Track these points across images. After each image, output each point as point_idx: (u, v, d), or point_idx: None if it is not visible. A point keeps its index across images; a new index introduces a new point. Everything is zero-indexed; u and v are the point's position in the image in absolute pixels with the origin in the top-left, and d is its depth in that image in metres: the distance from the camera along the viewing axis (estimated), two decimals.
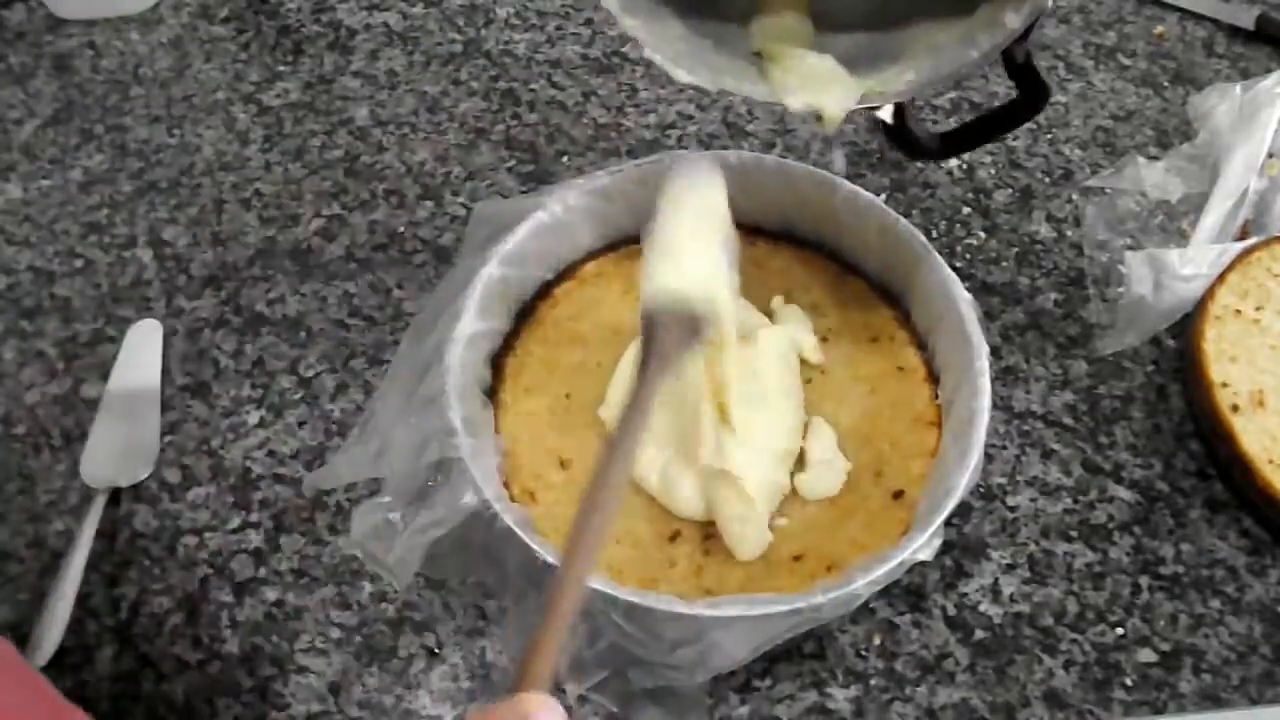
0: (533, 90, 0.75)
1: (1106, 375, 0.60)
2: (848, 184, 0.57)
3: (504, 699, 0.32)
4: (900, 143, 0.52)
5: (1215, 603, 0.52)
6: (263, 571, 0.53)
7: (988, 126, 0.53)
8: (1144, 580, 0.53)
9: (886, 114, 0.52)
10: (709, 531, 0.50)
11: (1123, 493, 0.56)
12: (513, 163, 0.70)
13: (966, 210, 0.68)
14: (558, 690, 0.49)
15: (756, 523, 0.49)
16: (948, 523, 0.47)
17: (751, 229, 0.60)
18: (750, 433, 0.52)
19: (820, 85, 0.50)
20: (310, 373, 0.60)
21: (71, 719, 0.40)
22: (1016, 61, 0.49)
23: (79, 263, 0.66)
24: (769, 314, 0.58)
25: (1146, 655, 0.51)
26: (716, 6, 0.53)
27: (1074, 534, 0.55)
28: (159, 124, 0.73)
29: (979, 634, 0.51)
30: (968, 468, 0.47)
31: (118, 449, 0.57)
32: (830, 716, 0.49)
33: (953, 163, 0.70)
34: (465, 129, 0.72)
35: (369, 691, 0.50)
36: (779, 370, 0.55)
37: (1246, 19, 0.78)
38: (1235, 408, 0.55)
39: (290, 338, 0.62)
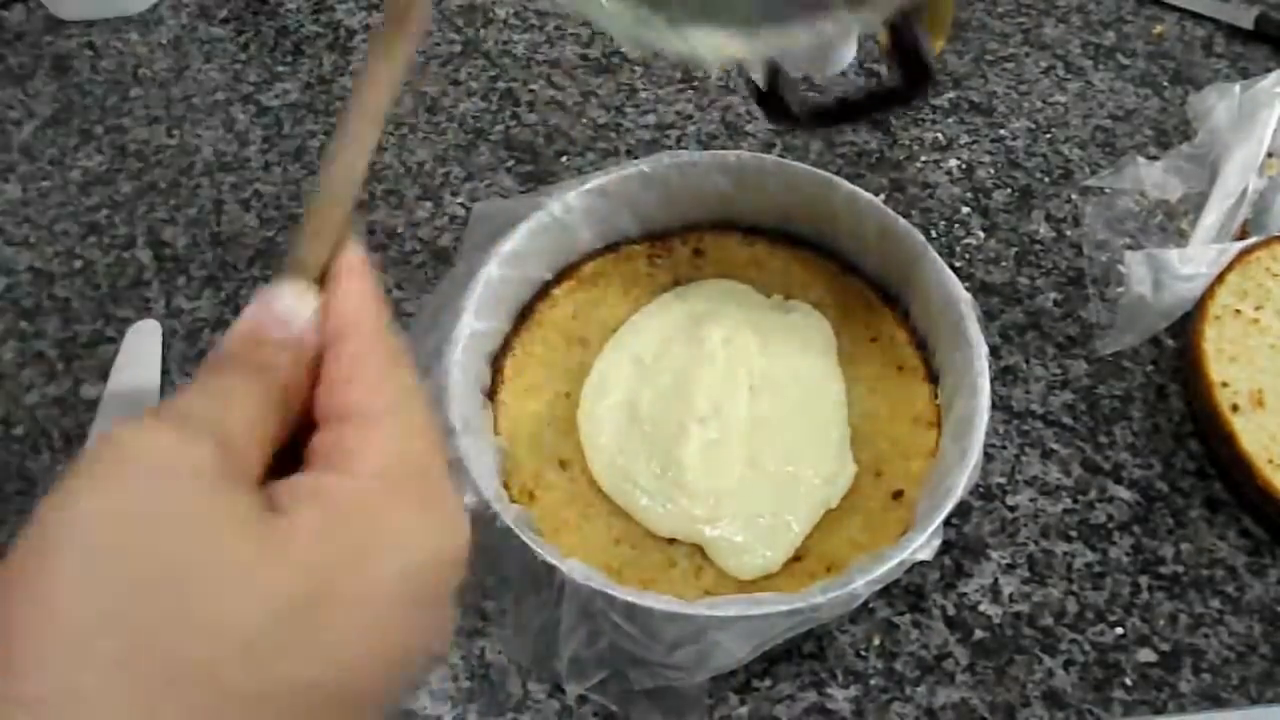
0: (532, 90, 0.75)
1: (1106, 375, 0.60)
2: (847, 184, 0.57)
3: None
4: (769, 107, 0.52)
5: (1215, 602, 0.52)
6: None
7: (862, 107, 0.52)
8: (1144, 580, 0.53)
9: (759, 76, 0.51)
10: None
11: (1122, 493, 0.56)
12: (512, 163, 0.70)
13: (966, 210, 0.68)
14: (556, 690, 0.49)
15: (755, 555, 0.49)
16: (947, 523, 0.47)
17: (751, 229, 0.60)
18: (765, 454, 0.52)
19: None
20: None
21: None
22: (905, 41, 0.49)
23: (79, 263, 0.66)
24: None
25: (1146, 655, 0.51)
26: None
27: (1074, 534, 0.55)
28: (158, 125, 0.73)
29: (979, 634, 0.51)
30: (967, 468, 0.47)
31: None
32: (830, 716, 0.49)
33: (952, 162, 0.70)
34: (464, 129, 0.72)
35: None
36: (808, 378, 0.55)
37: (1246, 19, 0.78)
38: (1235, 407, 0.55)
39: None
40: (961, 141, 0.71)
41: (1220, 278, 0.59)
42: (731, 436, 0.52)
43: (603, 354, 0.56)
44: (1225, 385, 0.56)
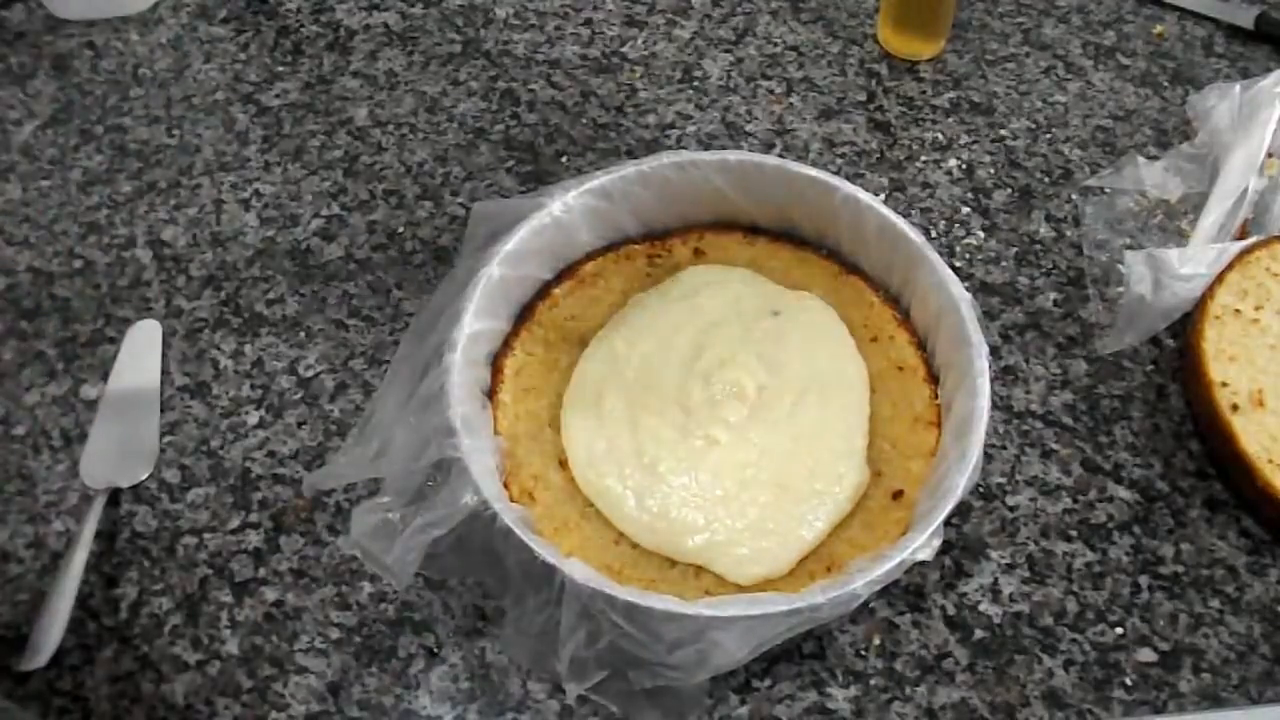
0: (532, 90, 0.75)
1: (1106, 375, 0.60)
2: (847, 184, 0.57)
3: None
4: None
5: (1215, 602, 0.52)
6: (262, 572, 0.53)
7: None
8: (1144, 580, 0.53)
9: None
10: None
11: (1122, 492, 0.56)
12: (512, 163, 0.70)
13: (966, 210, 0.68)
14: (556, 690, 0.49)
15: (760, 566, 0.49)
16: (947, 523, 0.47)
17: (751, 229, 0.60)
18: (779, 459, 0.51)
19: None
20: (310, 373, 0.60)
21: None
22: None
23: (78, 263, 0.66)
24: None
25: (1146, 655, 0.51)
26: None
27: (1074, 534, 0.55)
28: (158, 124, 0.73)
29: (979, 634, 0.51)
30: (967, 468, 0.47)
31: (117, 449, 0.57)
32: (830, 716, 0.49)
33: (952, 162, 0.70)
34: (464, 129, 0.72)
35: (369, 691, 0.50)
36: (830, 372, 0.54)
37: (1246, 18, 0.78)
38: (1235, 407, 0.55)
39: (289, 338, 0.62)
40: (961, 141, 0.71)
41: (1220, 278, 0.59)
42: (733, 435, 0.52)
43: (585, 352, 0.56)
44: (1225, 385, 0.56)
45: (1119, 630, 0.51)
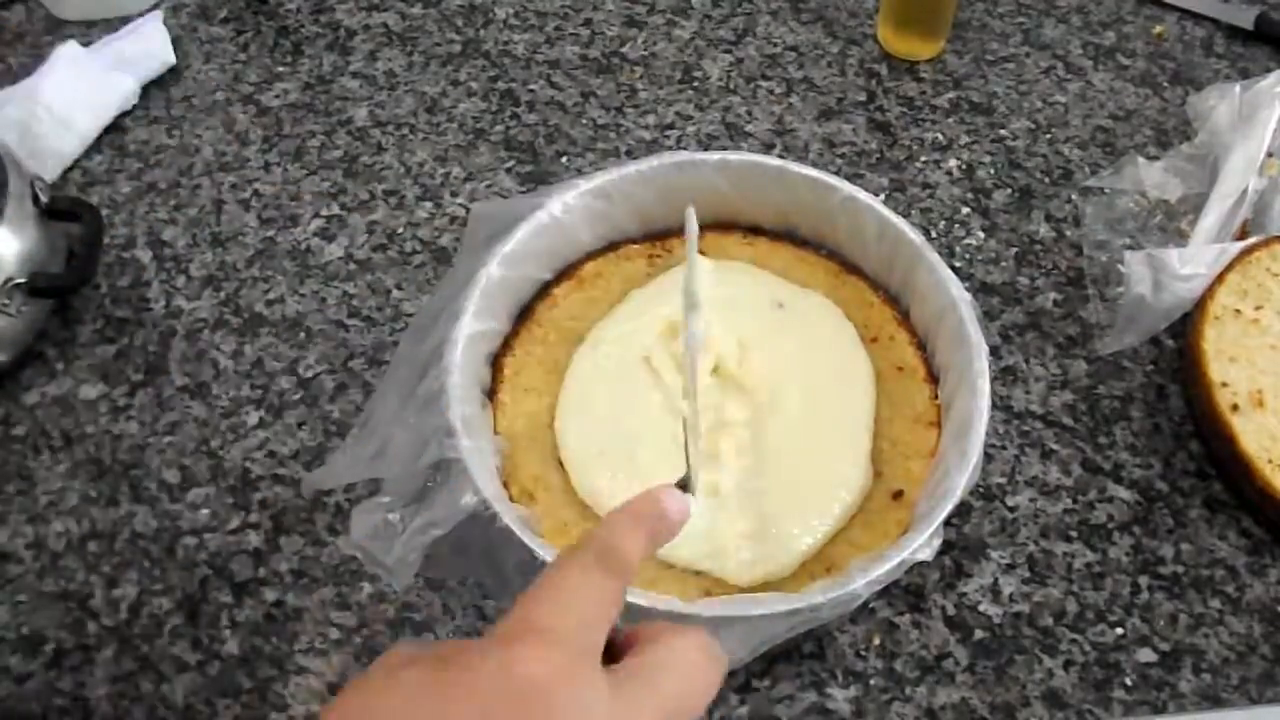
0: (532, 91, 0.75)
1: (1106, 375, 0.60)
2: (847, 185, 0.57)
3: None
4: None
5: (1215, 603, 0.52)
6: (262, 572, 0.53)
7: None
8: (1144, 580, 0.53)
9: None
10: None
11: (1122, 493, 0.56)
12: (512, 163, 0.70)
13: (966, 210, 0.68)
14: None
15: (761, 568, 0.48)
16: (947, 523, 0.47)
17: (751, 229, 0.60)
18: (780, 459, 0.51)
19: None
20: (309, 373, 0.60)
21: None
22: None
23: None
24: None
25: (1146, 655, 0.51)
26: None
27: (1074, 534, 0.55)
28: (158, 124, 0.73)
29: (979, 634, 0.51)
30: (967, 468, 0.47)
31: None
32: (830, 716, 0.49)
33: (952, 162, 0.70)
34: (464, 129, 0.72)
35: None
36: (834, 368, 0.54)
37: (1246, 19, 0.78)
38: (1235, 408, 0.55)
39: (289, 338, 0.62)
40: (961, 141, 0.71)
41: (1220, 278, 0.59)
42: (735, 437, 0.52)
43: (579, 351, 0.55)
44: (1225, 385, 0.56)
45: (1119, 630, 0.52)
